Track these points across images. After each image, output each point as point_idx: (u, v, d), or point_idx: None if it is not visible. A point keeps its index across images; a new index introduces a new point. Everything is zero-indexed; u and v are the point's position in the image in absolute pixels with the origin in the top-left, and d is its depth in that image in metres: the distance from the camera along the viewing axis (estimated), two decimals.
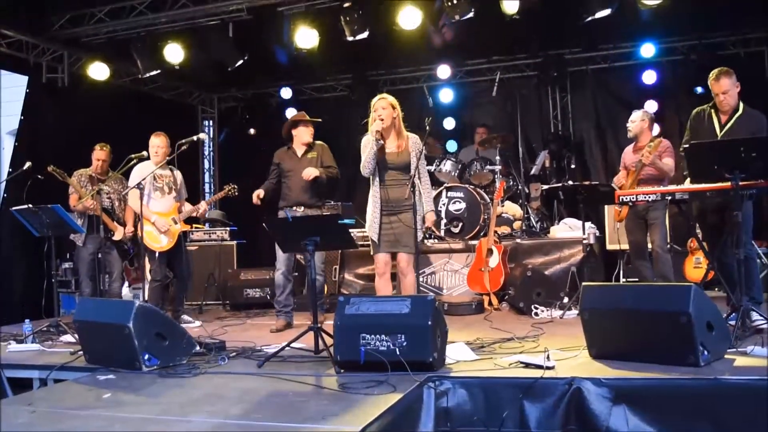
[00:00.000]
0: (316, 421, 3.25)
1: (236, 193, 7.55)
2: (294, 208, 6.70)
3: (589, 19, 7.55)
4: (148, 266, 7.22)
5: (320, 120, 7.04)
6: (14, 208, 6.62)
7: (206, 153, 12.45)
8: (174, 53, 8.81)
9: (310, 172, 6.59)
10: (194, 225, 9.42)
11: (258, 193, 6.73)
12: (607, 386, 3.71)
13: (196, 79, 11.13)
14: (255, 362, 4.57)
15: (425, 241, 5.88)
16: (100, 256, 6.94)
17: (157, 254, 6.99)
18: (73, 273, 8.80)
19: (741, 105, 5.64)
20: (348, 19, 7.97)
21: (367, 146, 5.69)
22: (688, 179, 5.38)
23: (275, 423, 3.27)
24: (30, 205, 6.40)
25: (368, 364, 4.06)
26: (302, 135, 6.84)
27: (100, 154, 7.40)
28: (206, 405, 3.63)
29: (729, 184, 4.81)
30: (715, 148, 5.20)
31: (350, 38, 8.07)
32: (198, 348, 5.06)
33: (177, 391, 4.07)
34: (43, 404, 3.97)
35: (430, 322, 4.07)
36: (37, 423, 3.60)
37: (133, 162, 6.87)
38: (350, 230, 6.87)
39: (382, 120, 5.62)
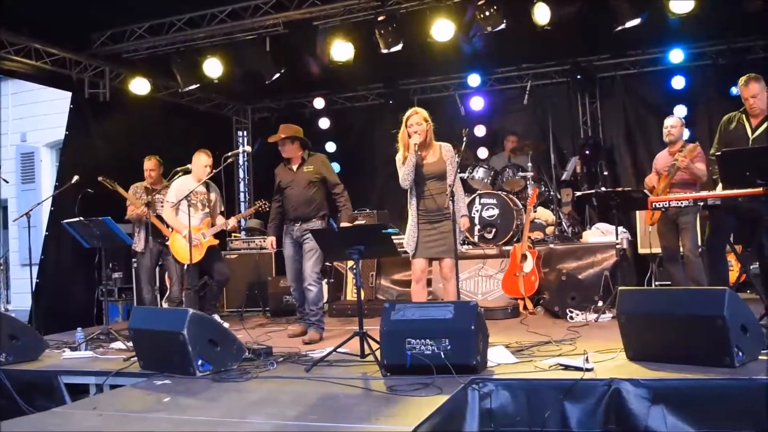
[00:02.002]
0: (369, 422, 3.38)
1: (267, 209, 7.78)
2: (294, 224, 6.68)
3: (620, 28, 7.63)
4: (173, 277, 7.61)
5: (300, 136, 6.78)
6: (65, 221, 6.85)
7: (241, 163, 12.67)
8: (213, 68, 9.00)
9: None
10: (233, 235, 9.68)
11: (271, 242, 6.91)
12: (646, 387, 3.82)
13: (231, 91, 11.35)
14: (302, 367, 4.72)
15: (462, 246, 6.00)
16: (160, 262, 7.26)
17: (186, 265, 7.18)
18: (123, 281, 9.16)
19: None
20: (382, 32, 8.06)
21: (403, 161, 5.82)
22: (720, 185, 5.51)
23: (330, 424, 3.41)
24: (81, 218, 6.66)
25: (414, 367, 4.21)
26: (286, 153, 6.80)
27: (147, 164, 7.77)
28: (264, 407, 3.79)
29: (761, 189, 4.93)
30: (748, 155, 5.32)
31: (385, 50, 8.20)
32: (247, 353, 5.28)
33: (233, 395, 4.25)
34: (109, 408, 4.17)
35: (473, 327, 4.22)
36: (106, 425, 3.79)
37: (178, 175, 7.14)
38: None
39: (419, 134, 5.76)
